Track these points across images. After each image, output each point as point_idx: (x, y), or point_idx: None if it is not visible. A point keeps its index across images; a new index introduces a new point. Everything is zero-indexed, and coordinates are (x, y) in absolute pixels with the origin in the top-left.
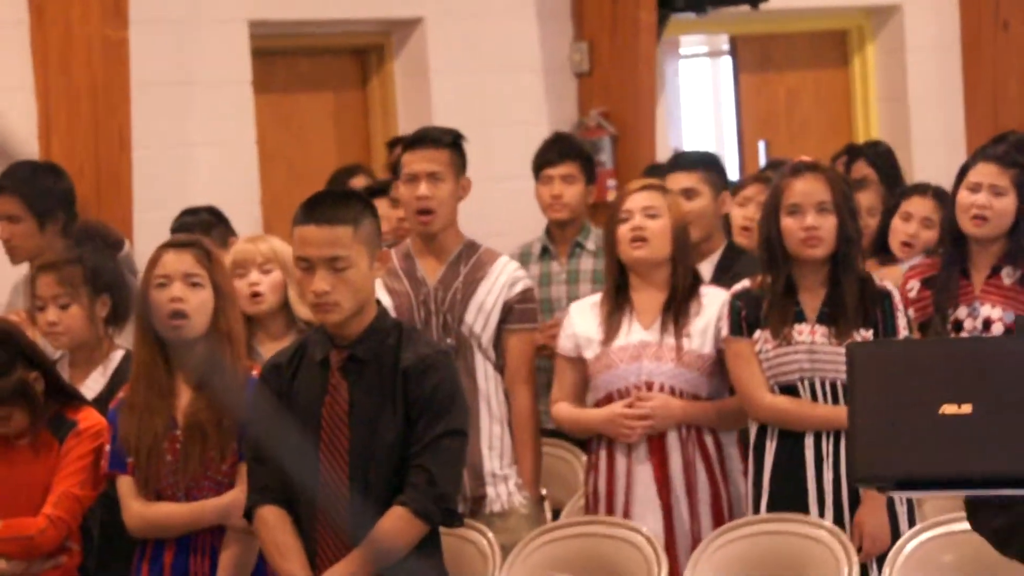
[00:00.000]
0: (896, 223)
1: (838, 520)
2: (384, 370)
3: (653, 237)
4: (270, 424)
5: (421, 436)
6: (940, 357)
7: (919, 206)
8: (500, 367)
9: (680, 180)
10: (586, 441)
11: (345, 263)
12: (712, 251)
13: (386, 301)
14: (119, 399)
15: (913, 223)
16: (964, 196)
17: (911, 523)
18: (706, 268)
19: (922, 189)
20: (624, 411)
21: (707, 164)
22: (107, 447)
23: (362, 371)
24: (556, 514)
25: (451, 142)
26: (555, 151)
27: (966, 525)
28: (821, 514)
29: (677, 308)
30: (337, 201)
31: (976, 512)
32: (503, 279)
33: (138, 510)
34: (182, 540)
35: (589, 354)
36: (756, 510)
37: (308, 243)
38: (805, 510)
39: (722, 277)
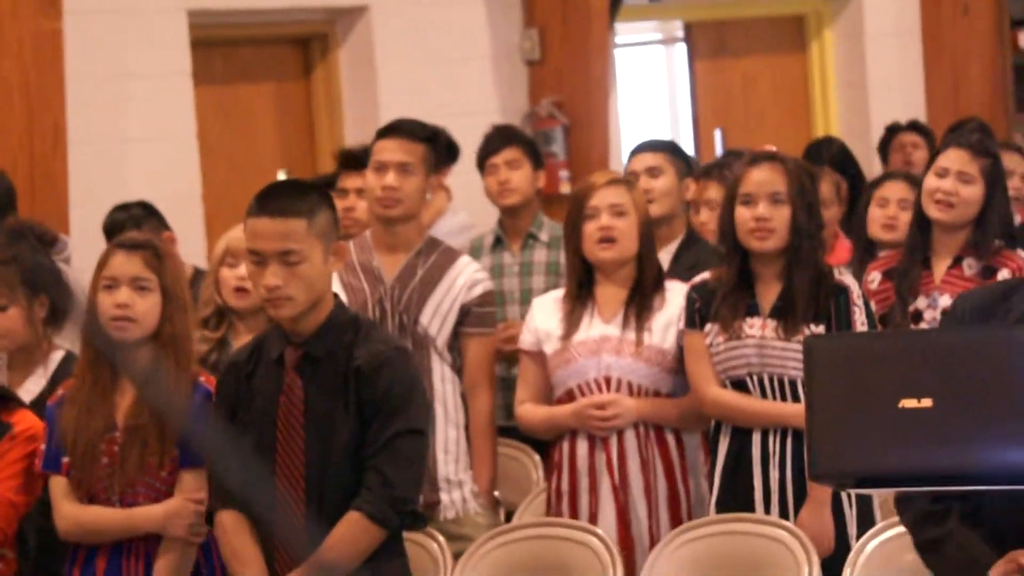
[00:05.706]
0: (873, 211)
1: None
2: (338, 368)
3: (621, 237)
4: (225, 429)
5: (376, 437)
6: (899, 350)
7: (893, 190)
8: (457, 369)
9: (645, 159)
10: (541, 440)
11: (298, 257)
12: (672, 238)
13: (342, 297)
14: (59, 395)
15: (891, 206)
16: (931, 181)
17: (865, 523)
18: (663, 257)
19: (894, 175)
20: (594, 412)
21: (672, 148)
22: (42, 447)
23: (317, 369)
24: (508, 516)
25: (427, 137)
26: (496, 140)
27: None
28: (767, 513)
29: (640, 302)
30: (292, 192)
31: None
32: (461, 280)
33: (70, 512)
34: (116, 545)
35: (549, 349)
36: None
37: (260, 236)
38: (751, 509)
39: (677, 267)
